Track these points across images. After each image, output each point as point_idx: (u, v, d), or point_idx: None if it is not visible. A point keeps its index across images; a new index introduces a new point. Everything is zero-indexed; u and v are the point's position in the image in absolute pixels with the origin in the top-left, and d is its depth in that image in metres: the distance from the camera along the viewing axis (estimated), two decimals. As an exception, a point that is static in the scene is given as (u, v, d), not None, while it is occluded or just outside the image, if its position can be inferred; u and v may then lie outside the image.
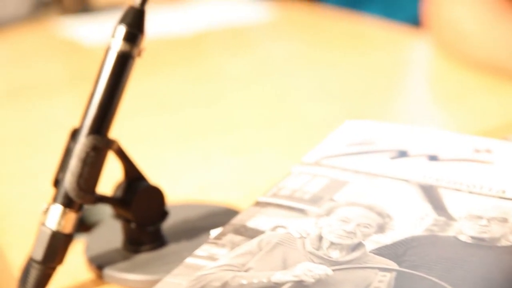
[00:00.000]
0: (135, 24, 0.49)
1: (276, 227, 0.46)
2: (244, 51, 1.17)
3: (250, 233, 0.45)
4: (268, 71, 1.05)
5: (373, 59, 1.07)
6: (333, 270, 0.41)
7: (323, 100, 0.90)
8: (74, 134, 0.49)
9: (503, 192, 0.48)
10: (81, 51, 1.20)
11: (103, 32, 1.27)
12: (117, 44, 0.49)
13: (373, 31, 1.24)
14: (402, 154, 0.54)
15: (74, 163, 0.48)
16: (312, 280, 0.41)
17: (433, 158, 0.53)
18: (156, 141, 0.79)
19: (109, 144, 0.49)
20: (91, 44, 1.21)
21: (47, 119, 0.89)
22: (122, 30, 0.49)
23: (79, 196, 0.48)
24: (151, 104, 0.91)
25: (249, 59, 1.12)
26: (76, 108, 0.93)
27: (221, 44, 1.23)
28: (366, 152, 0.55)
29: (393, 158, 0.54)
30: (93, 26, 1.32)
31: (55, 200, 0.48)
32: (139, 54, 0.50)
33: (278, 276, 0.41)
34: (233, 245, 0.44)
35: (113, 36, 0.49)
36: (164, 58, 1.09)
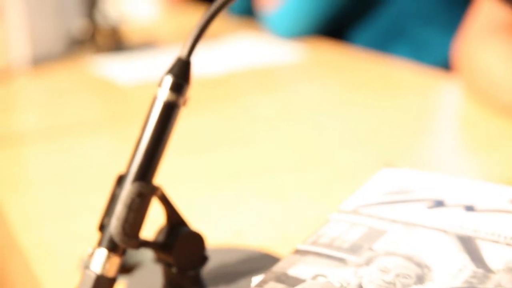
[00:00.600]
0: (181, 74, 0.50)
1: (316, 275, 0.47)
2: (275, 92, 1.19)
3: (291, 281, 0.46)
4: (299, 112, 1.07)
5: (403, 103, 1.08)
6: (374, 321, 0.42)
7: (353, 143, 0.91)
8: (120, 180, 0.50)
9: (541, 245, 0.48)
10: (114, 89, 1.22)
11: (136, 71, 1.29)
12: (164, 93, 0.50)
13: (402, 73, 1.25)
14: (439, 204, 0.55)
15: (120, 209, 0.49)
16: (354, 331, 0.41)
17: (469, 208, 0.54)
18: (188, 183, 0.80)
19: (154, 190, 0.50)
20: (124, 83, 1.24)
21: (83, 158, 0.91)
22: (169, 80, 0.50)
23: (124, 241, 0.49)
24: (183, 144, 0.93)
25: (280, 99, 1.13)
26: (111, 147, 0.95)
27: (252, 84, 1.25)
28: (403, 201, 0.56)
29: (429, 207, 0.54)
30: (126, 64, 1.34)
31: (100, 244, 0.49)
32: (184, 103, 0.51)
33: (320, 326, 0.42)
34: (275, 293, 0.45)
35: (160, 85, 0.50)
36: (195, 98, 1.10)
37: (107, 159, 0.89)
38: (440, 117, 1.06)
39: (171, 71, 0.50)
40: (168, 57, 1.38)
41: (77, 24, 1.46)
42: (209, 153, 0.90)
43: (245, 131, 0.99)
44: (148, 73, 1.28)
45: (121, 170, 0.51)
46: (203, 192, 0.78)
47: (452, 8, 1.57)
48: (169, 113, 0.50)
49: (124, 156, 0.51)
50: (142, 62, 1.36)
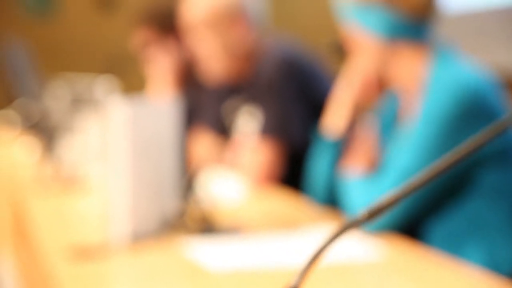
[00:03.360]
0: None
1: None
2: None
3: None
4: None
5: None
6: None
7: None
8: None
9: None
10: (203, 275, 1.31)
11: (223, 257, 1.39)
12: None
13: (475, 283, 1.29)
14: None
15: None
16: None
17: None
18: None
19: None
20: (213, 268, 1.32)
21: None
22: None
23: None
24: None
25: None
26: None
27: (330, 282, 1.31)
28: None
29: None
30: (215, 248, 1.44)
31: None
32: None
33: None
34: None
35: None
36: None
37: None
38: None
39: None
40: (254, 244, 1.47)
41: (171, 205, 1.57)
42: None
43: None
44: (236, 260, 1.37)
45: None
46: None
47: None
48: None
49: None
50: (229, 247, 1.45)
